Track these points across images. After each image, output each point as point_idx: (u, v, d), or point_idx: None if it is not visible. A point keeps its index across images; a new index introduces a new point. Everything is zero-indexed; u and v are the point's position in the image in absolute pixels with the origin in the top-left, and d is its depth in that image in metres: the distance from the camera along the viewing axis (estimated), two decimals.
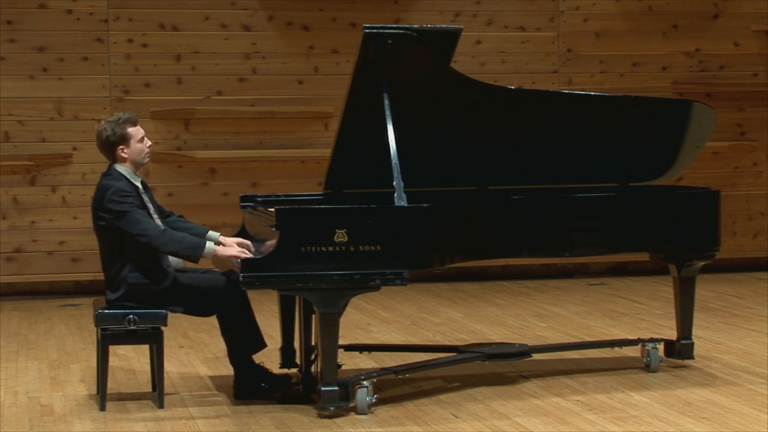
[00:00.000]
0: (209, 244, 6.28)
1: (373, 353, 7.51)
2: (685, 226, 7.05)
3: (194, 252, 6.27)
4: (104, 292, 6.51)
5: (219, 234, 6.51)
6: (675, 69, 11.18)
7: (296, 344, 6.97)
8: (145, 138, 6.54)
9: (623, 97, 7.93)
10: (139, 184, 6.48)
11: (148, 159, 6.56)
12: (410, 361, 6.97)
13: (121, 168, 6.47)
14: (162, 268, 6.41)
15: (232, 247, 6.30)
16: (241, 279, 6.06)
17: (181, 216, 6.73)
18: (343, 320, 6.32)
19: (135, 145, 6.47)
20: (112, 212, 6.30)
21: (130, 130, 6.47)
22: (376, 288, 6.16)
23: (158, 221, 6.46)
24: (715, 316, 8.91)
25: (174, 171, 10.28)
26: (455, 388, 6.77)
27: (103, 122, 6.58)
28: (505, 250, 7.00)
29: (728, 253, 10.18)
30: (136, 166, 6.50)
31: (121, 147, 6.45)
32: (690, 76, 11.18)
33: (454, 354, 7.04)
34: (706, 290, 9.80)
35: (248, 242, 6.42)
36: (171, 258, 6.48)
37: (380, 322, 8.90)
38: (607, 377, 6.96)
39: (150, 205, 6.49)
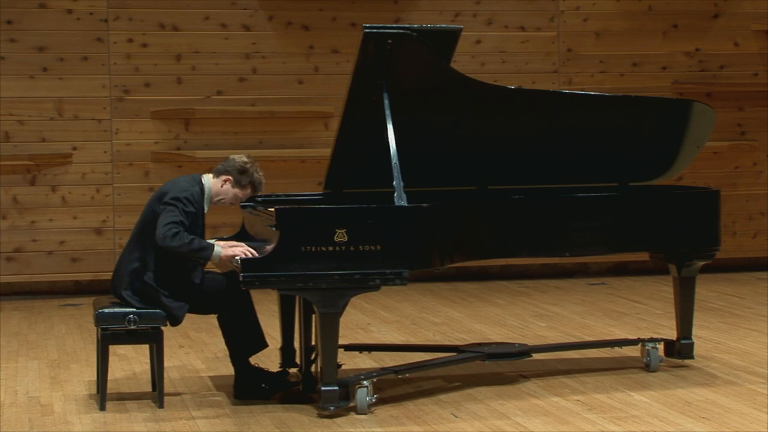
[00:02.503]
0: (217, 247, 6.28)
1: (373, 353, 7.51)
2: (685, 226, 7.05)
3: (203, 254, 6.27)
4: (105, 291, 6.51)
5: (215, 240, 6.52)
6: (675, 69, 11.19)
7: (296, 344, 6.97)
8: (237, 202, 6.59)
9: (623, 97, 7.93)
10: (205, 206, 6.49)
11: (218, 204, 6.57)
12: (410, 361, 6.97)
13: (208, 182, 6.50)
14: (180, 280, 6.39)
15: (232, 248, 6.29)
16: (241, 279, 6.06)
17: None
18: (343, 320, 6.32)
19: (232, 192, 6.51)
20: (168, 203, 6.31)
21: (248, 189, 6.53)
22: (376, 288, 6.16)
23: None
24: (715, 316, 8.91)
25: (174, 171, 10.27)
26: (455, 388, 6.77)
27: (253, 162, 6.56)
28: (505, 250, 7.00)
29: (728, 253, 10.19)
30: (212, 198, 6.52)
31: (230, 179, 6.49)
32: (690, 76, 11.19)
33: (454, 354, 7.04)
34: (706, 290, 9.80)
35: (242, 244, 6.40)
36: None
37: (380, 322, 8.90)
38: (607, 377, 6.96)
39: (200, 226, 6.47)
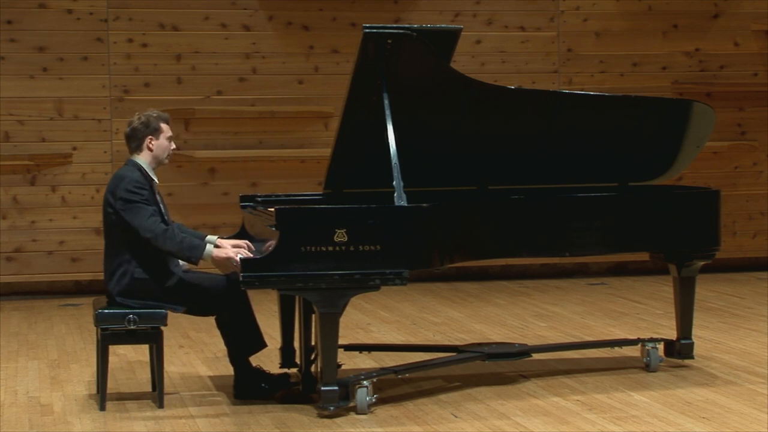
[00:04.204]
0: (209, 247, 6.29)
1: (373, 353, 7.51)
2: (685, 226, 7.05)
3: (193, 253, 6.28)
4: (104, 290, 6.51)
5: (217, 237, 6.52)
6: (675, 69, 11.19)
7: (296, 344, 6.97)
8: (172, 142, 6.61)
9: (623, 97, 7.93)
10: (155, 179, 6.51)
11: (168, 160, 6.61)
12: (410, 361, 6.97)
13: (141, 160, 6.51)
14: (167, 266, 6.41)
15: (227, 249, 6.29)
16: (241, 279, 6.06)
17: (180, 225, 6.73)
18: (343, 320, 6.32)
19: (163, 141, 6.54)
20: (123, 200, 6.32)
21: (163, 125, 6.56)
22: (376, 288, 6.16)
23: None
24: (715, 316, 8.91)
25: (174, 171, 10.28)
26: (455, 388, 6.77)
27: (137, 114, 6.63)
28: (505, 250, 7.00)
29: (728, 253, 10.19)
30: (157, 162, 6.55)
31: (150, 137, 6.51)
32: (690, 76, 11.19)
33: (454, 354, 7.04)
34: (706, 290, 9.80)
35: (245, 242, 6.42)
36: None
37: (380, 322, 8.90)
38: (607, 377, 6.96)
39: (161, 206, 6.51)
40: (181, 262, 6.49)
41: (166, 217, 6.49)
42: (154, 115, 6.56)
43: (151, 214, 6.31)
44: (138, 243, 6.33)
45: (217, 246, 6.35)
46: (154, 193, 6.47)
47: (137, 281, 6.38)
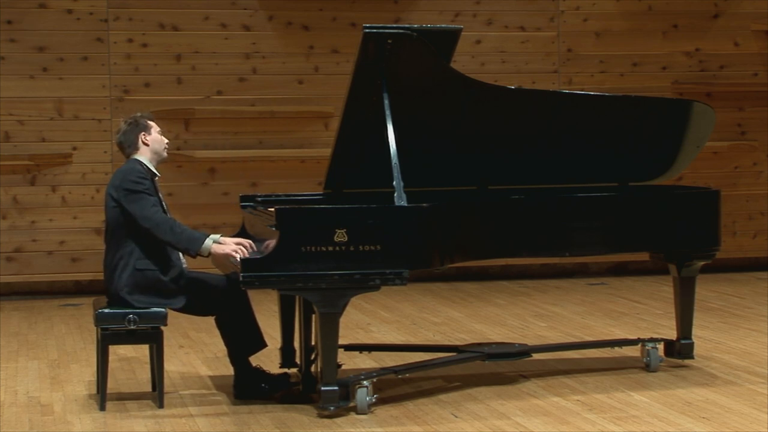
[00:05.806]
0: (208, 241, 6.29)
1: (373, 353, 7.51)
2: (685, 226, 7.05)
3: (193, 245, 6.29)
4: (104, 291, 6.51)
5: (219, 235, 6.51)
6: (675, 69, 11.19)
7: (296, 344, 6.97)
8: (162, 135, 6.68)
9: (623, 97, 7.93)
10: (157, 173, 6.55)
11: (166, 153, 6.66)
12: (410, 361, 6.97)
13: (141, 157, 6.55)
14: (169, 258, 6.42)
15: (229, 245, 6.29)
16: (241, 279, 6.06)
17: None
18: (343, 320, 6.32)
19: (155, 134, 6.60)
20: (126, 191, 6.36)
21: (150, 122, 6.64)
22: (376, 288, 6.16)
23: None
24: (715, 316, 8.91)
25: (174, 171, 10.28)
26: (455, 388, 6.77)
27: (121, 121, 6.72)
28: (505, 250, 7.00)
29: (728, 253, 10.19)
30: (157, 157, 6.59)
31: (142, 133, 6.56)
32: (690, 76, 11.19)
33: (454, 354, 7.04)
34: (706, 290, 9.80)
35: (247, 241, 6.42)
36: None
37: (380, 322, 8.90)
38: (607, 377, 6.97)
39: (162, 203, 6.52)
40: (181, 256, 6.50)
41: (167, 213, 6.50)
42: (138, 115, 6.66)
43: (152, 204, 6.34)
44: (139, 234, 6.35)
45: (218, 243, 6.35)
46: (155, 188, 6.50)
47: (138, 272, 6.38)
